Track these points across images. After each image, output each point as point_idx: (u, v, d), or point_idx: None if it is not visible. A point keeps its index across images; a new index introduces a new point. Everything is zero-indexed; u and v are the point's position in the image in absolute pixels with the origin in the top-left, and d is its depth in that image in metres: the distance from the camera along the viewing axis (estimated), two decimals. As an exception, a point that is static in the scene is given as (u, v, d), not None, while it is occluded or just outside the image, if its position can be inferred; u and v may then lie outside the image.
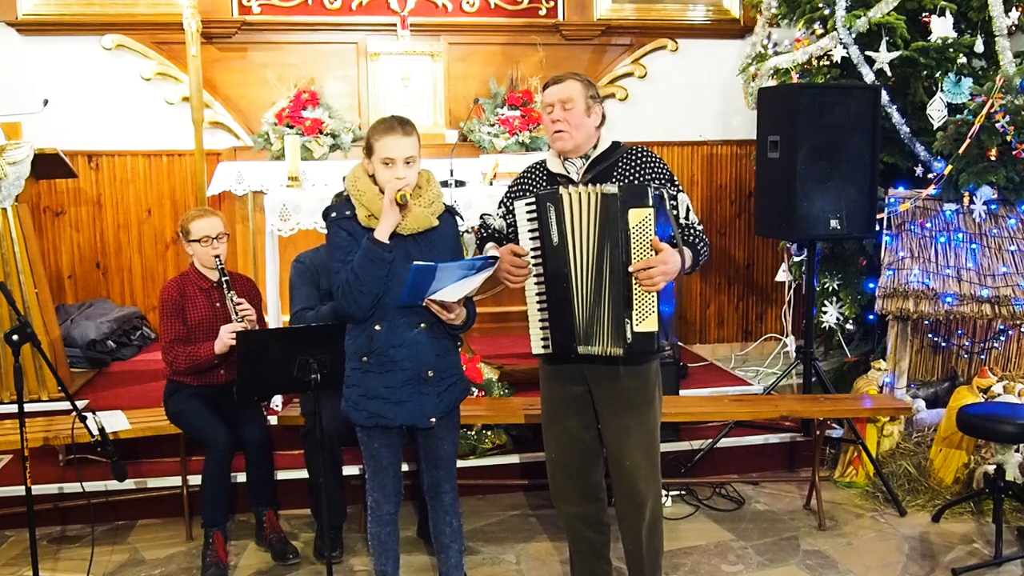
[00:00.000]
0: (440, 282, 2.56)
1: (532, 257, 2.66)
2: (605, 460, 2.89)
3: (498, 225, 2.88)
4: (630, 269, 2.55)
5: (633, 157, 2.76)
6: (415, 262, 2.54)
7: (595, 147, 2.78)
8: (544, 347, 2.69)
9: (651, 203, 2.52)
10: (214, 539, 3.43)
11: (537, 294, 2.67)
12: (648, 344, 2.59)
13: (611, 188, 2.56)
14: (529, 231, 2.65)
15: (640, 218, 2.53)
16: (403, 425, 2.74)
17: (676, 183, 2.78)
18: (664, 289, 2.57)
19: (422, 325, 2.68)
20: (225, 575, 3.41)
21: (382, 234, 2.59)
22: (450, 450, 2.87)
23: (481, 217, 2.97)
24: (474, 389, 4.08)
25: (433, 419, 2.73)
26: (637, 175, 2.73)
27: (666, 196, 2.61)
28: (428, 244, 2.68)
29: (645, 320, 2.56)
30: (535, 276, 2.67)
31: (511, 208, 2.77)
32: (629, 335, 2.57)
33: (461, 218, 2.88)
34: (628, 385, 2.73)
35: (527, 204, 2.64)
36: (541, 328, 2.68)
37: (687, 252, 2.68)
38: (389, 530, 2.85)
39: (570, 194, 2.59)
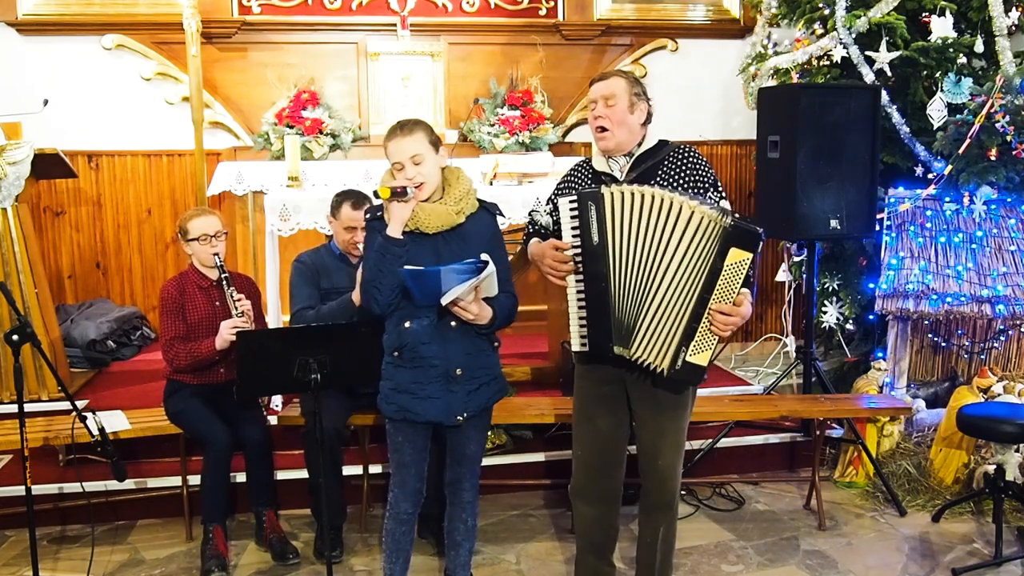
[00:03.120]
0: (448, 284, 2.57)
1: (574, 255, 2.64)
2: (630, 458, 2.89)
3: (544, 222, 2.88)
4: (713, 307, 2.51)
5: (679, 157, 2.73)
6: (406, 267, 2.58)
7: (640, 145, 2.76)
8: (583, 345, 2.67)
9: (755, 248, 2.46)
10: (214, 533, 3.43)
11: (577, 292, 2.65)
12: (695, 376, 2.58)
13: (728, 219, 2.46)
14: (572, 228, 2.63)
15: (737, 259, 2.47)
16: (430, 422, 2.75)
17: (720, 187, 2.74)
18: None
19: (452, 323, 2.69)
20: (225, 567, 3.40)
21: (393, 231, 2.63)
22: (476, 450, 2.89)
23: (529, 214, 2.98)
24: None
25: (460, 417, 2.74)
26: (682, 176, 2.70)
27: (761, 236, 2.52)
28: (459, 242, 2.69)
29: (700, 353, 2.55)
30: (576, 274, 2.65)
31: (556, 205, 2.76)
32: (680, 363, 2.55)
33: (501, 215, 2.85)
34: (667, 386, 2.71)
35: (570, 201, 2.63)
36: (580, 326, 2.66)
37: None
38: (404, 529, 2.86)
39: (612, 193, 2.56)
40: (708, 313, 2.52)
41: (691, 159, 2.73)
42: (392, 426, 2.80)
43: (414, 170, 2.65)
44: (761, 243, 2.48)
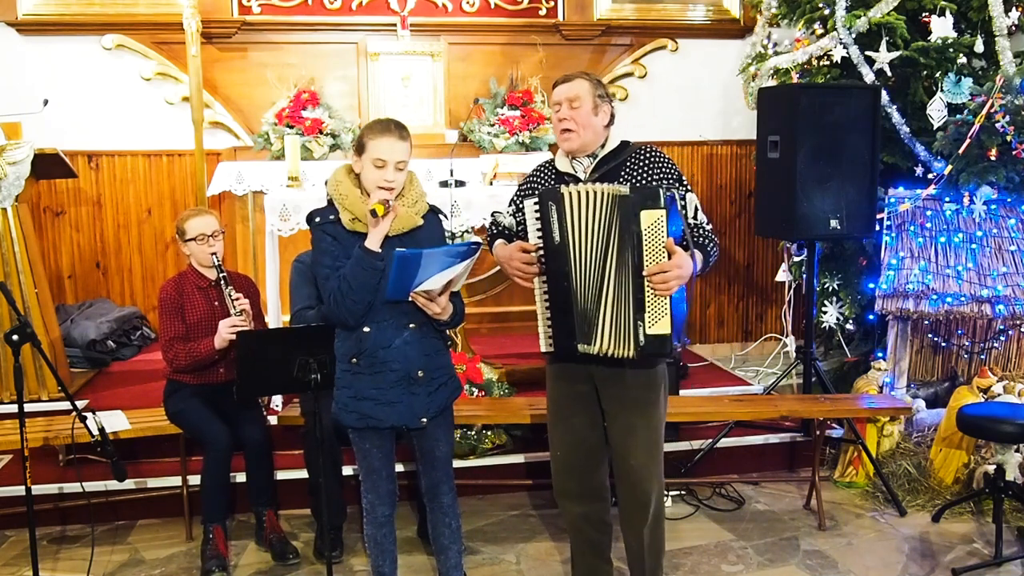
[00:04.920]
0: (425, 271, 2.56)
1: (538, 256, 2.65)
2: (609, 460, 2.89)
3: (508, 223, 2.89)
4: (644, 272, 2.52)
5: (642, 156, 2.75)
6: (397, 249, 2.55)
7: (603, 146, 2.76)
8: (549, 345, 2.69)
9: (663, 204, 2.49)
10: (214, 534, 3.43)
11: (544, 292, 2.66)
12: (661, 346, 2.57)
13: (623, 189, 2.53)
14: (536, 229, 2.64)
15: (652, 220, 2.49)
16: (394, 426, 2.74)
17: (685, 183, 2.76)
18: (678, 291, 2.56)
19: (411, 326, 2.68)
20: (226, 567, 3.41)
21: (373, 243, 2.61)
22: (446, 450, 2.87)
23: (492, 214, 2.98)
24: (474, 389, 4.08)
25: (424, 419, 2.73)
26: (645, 175, 2.71)
27: (677, 197, 2.58)
28: (414, 243, 2.68)
29: (658, 322, 2.54)
30: (541, 275, 2.66)
31: (521, 207, 2.77)
32: (642, 338, 2.54)
33: (445, 216, 2.88)
34: (634, 383, 2.72)
35: (534, 203, 2.64)
36: (547, 327, 2.67)
37: (698, 254, 2.66)
38: (385, 531, 2.85)
39: (571, 192, 2.57)
40: (648, 280, 2.52)
41: (653, 157, 2.75)
42: (356, 434, 2.77)
43: (394, 174, 2.64)
44: (664, 196, 2.49)
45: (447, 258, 2.57)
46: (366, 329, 2.66)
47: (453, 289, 2.69)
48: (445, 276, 2.57)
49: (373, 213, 2.58)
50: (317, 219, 2.70)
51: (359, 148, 2.68)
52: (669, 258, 2.51)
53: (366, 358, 2.67)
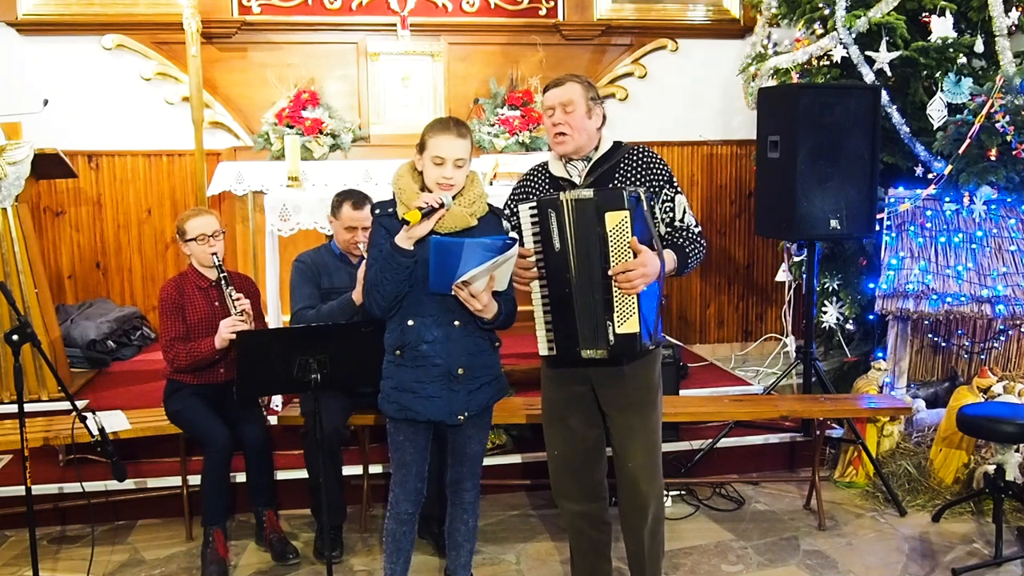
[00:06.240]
0: (466, 264, 2.57)
1: (536, 260, 2.66)
2: (608, 460, 2.89)
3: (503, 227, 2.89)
4: (610, 272, 2.54)
5: (635, 158, 2.76)
6: (433, 236, 2.57)
7: (596, 148, 2.77)
8: (550, 349, 2.69)
9: (626, 206, 2.51)
10: (214, 537, 3.43)
11: (542, 297, 2.67)
12: (630, 345, 2.58)
13: (586, 192, 2.56)
14: (533, 235, 2.65)
15: (616, 221, 2.52)
16: (431, 420, 2.75)
17: (675, 184, 2.78)
18: (648, 290, 2.57)
19: (456, 323, 2.70)
20: (226, 572, 3.41)
21: (403, 240, 2.62)
22: (477, 449, 2.90)
23: None
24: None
25: (461, 416, 2.75)
26: (638, 176, 2.73)
27: (643, 197, 2.59)
28: None
29: (626, 322, 2.56)
30: (539, 280, 2.67)
31: (515, 211, 2.77)
32: (611, 337, 2.57)
33: (507, 219, 2.86)
34: (632, 385, 2.73)
35: (530, 208, 2.64)
36: (547, 331, 2.68)
37: (670, 254, 2.69)
38: (405, 530, 2.87)
39: (568, 200, 2.58)
40: (614, 279, 2.53)
41: (646, 158, 2.76)
42: (393, 425, 2.80)
43: (452, 171, 2.66)
44: (627, 197, 2.51)
45: (485, 251, 2.57)
46: (410, 322, 2.70)
47: (497, 288, 2.67)
48: (483, 269, 2.57)
49: (404, 222, 2.60)
50: (377, 211, 2.76)
51: (420, 146, 2.71)
52: (635, 258, 2.52)
53: (409, 351, 2.71)
